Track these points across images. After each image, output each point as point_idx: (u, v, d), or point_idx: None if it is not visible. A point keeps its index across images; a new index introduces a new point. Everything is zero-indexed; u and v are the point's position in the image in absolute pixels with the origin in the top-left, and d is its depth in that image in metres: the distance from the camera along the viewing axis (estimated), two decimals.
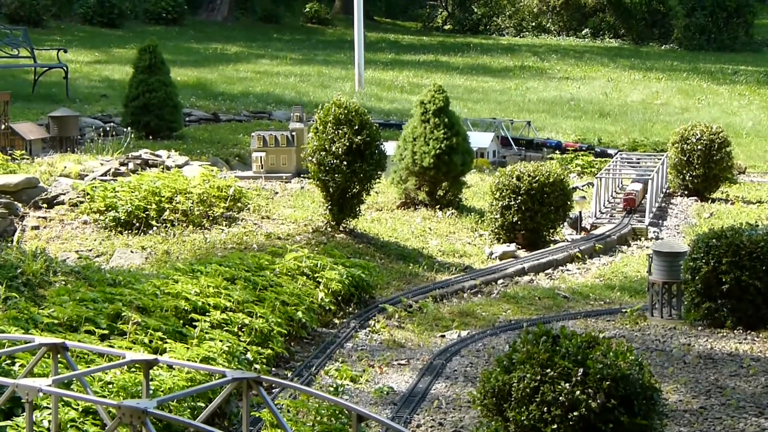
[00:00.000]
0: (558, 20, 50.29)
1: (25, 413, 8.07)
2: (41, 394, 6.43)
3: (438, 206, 16.83)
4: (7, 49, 25.75)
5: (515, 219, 15.69)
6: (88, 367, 8.68)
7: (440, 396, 10.13)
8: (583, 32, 49.40)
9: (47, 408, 7.93)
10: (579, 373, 7.74)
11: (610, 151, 22.57)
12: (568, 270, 15.10)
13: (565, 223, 16.78)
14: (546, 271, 14.94)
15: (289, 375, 10.59)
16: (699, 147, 19.28)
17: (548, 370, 7.82)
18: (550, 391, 7.75)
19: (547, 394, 7.76)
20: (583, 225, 17.12)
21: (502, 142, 22.86)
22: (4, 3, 38.71)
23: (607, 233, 16.56)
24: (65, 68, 25.33)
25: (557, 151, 22.48)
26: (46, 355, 7.39)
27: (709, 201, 19.24)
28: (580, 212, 17.10)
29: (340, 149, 14.63)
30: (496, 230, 15.95)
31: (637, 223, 17.14)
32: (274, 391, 9.75)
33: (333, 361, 11.07)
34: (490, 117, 25.50)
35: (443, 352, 11.43)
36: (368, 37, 36.91)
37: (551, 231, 16.10)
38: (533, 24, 50.49)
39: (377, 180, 15.30)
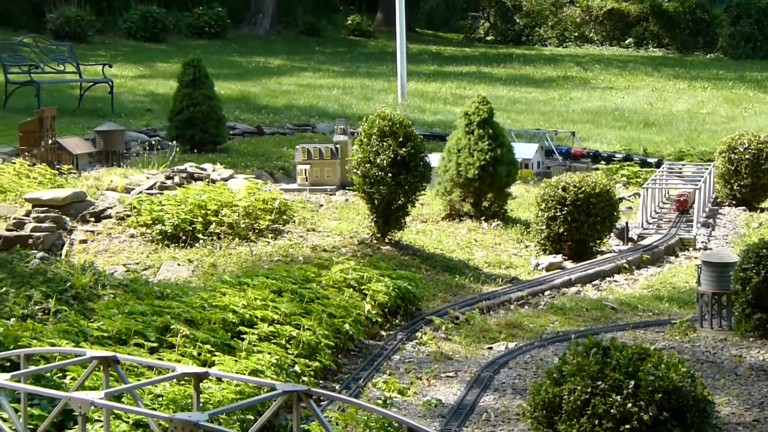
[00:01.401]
0: (601, 30, 50.11)
1: (76, 426, 8.11)
2: (93, 407, 6.45)
3: (483, 218, 16.78)
4: (54, 65, 25.97)
5: (561, 230, 15.61)
6: (138, 379, 8.71)
7: (489, 408, 10.08)
8: (627, 42, 49.19)
9: (98, 421, 7.96)
10: (630, 386, 7.68)
11: (650, 161, 22.52)
12: (615, 281, 15.01)
13: (612, 234, 16.68)
14: (593, 282, 14.85)
15: (336, 387, 10.58)
16: (747, 156, 19.12)
17: (599, 383, 7.77)
18: (602, 403, 7.70)
19: (598, 406, 7.71)
20: (629, 235, 17.01)
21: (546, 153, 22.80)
22: (49, 19, 39.03)
23: (655, 243, 16.45)
24: (110, 83, 25.50)
25: (602, 161, 22.42)
26: (96, 368, 7.42)
27: (758, 211, 19.07)
28: (627, 223, 16.99)
29: (384, 161, 14.63)
30: (542, 241, 15.88)
31: (685, 233, 17.02)
32: (322, 403, 9.74)
33: (380, 374, 11.05)
34: (534, 128, 25.44)
35: (491, 364, 11.38)
36: (410, 49, 36.93)
37: (598, 242, 16.00)
38: (576, 34, 50.33)
39: (422, 192, 15.28)
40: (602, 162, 22.34)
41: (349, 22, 50.30)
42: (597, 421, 7.70)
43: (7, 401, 6.71)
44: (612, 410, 7.65)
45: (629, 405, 7.63)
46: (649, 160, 22.76)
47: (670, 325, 12.69)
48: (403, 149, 14.64)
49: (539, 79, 37.51)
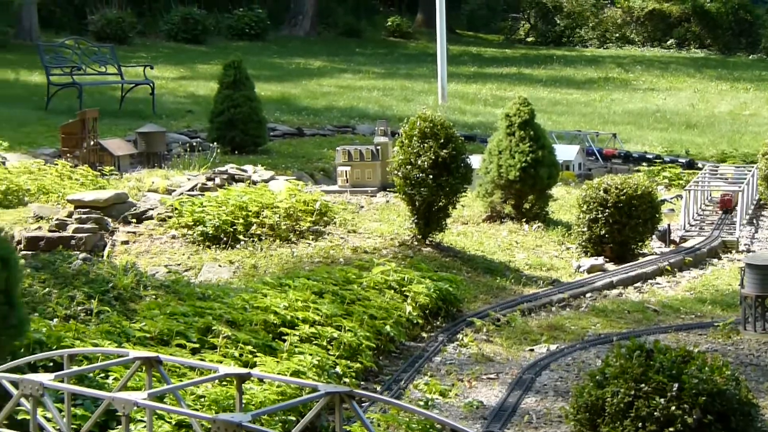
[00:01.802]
0: (642, 31, 49.85)
1: (119, 426, 8.14)
2: (136, 408, 6.47)
3: (524, 219, 16.72)
4: (96, 67, 26.11)
5: (603, 232, 15.53)
6: (181, 380, 8.73)
7: (530, 410, 10.04)
8: (668, 43, 48.93)
9: (141, 421, 7.99)
10: (674, 388, 7.62)
11: (681, 160, 22.45)
12: (657, 283, 14.92)
13: (654, 236, 16.58)
14: (635, 285, 14.77)
15: (378, 389, 10.57)
16: None
17: (642, 385, 7.72)
18: (645, 406, 7.65)
19: (641, 409, 7.65)
20: (671, 238, 16.90)
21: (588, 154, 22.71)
22: (91, 21, 39.26)
23: (697, 246, 16.33)
24: (151, 84, 25.61)
25: (633, 162, 22.34)
26: (139, 369, 7.44)
27: None
28: (669, 225, 16.89)
29: (425, 163, 14.61)
30: (583, 243, 15.81)
31: (728, 235, 16.89)
32: (363, 405, 9.73)
33: (422, 375, 11.03)
34: (575, 129, 25.34)
35: (532, 366, 11.34)
36: (451, 50, 36.87)
37: (639, 244, 15.91)
38: (617, 35, 50.10)
39: (463, 193, 15.24)
40: (643, 164, 22.23)
41: (389, 23, 50.30)
42: (640, 424, 7.65)
43: (51, 401, 6.74)
44: (656, 413, 7.60)
45: (673, 408, 7.57)
46: (681, 160, 22.67)
47: (713, 327, 12.60)
48: (444, 151, 14.61)
49: (580, 81, 37.37)
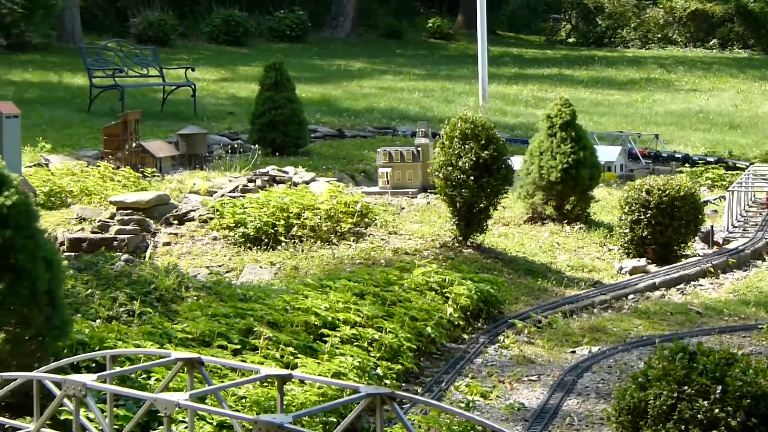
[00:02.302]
0: (684, 31, 49.55)
1: (161, 427, 8.17)
2: (178, 408, 6.49)
3: (566, 221, 16.65)
4: (137, 69, 26.24)
5: (645, 233, 15.45)
6: (222, 381, 8.76)
7: (572, 412, 10.00)
8: (711, 43, 48.61)
9: (182, 422, 8.01)
10: (718, 391, 7.57)
11: (710, 159, 22.37)
12: (700, 285, 14.82)
13: (697, 238, 16.47)
14: (678, 286, 14.68)
15: (418, 390, 10.56)
16: None
17: (686, 387, 7.67)
18: (688, 408, 7.60)
19: (684, 411, 7.60)
20: (715, 239, 16.78)
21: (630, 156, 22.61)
22: (133, 24, 39.47)
23: (741, 247, 16.21)
24: (193, 86, 25.71)
25: (686, 164, 22.22)
26: (180, 370, 7.47)
27: None
28: (712, 226, 16.77)
29: (466, 164, 14.58)
30: (625, 245, 15.72)
31: None
32: (404, 406, 9.71)
33: (463, 377, 11.01)
34: (616, 130, 25.22)
35: (574, 368, 11.29)
36: (491, 52, 36.77)
37: (682, 245, 15.81)
38: (659, 35, 49.82)
39: (504, 195, 15.20)
40: (686, 165, 22.12)
41: (430, 24, 50.25)
42: (683, 427, 7.60)
43: (93, 402, 6.77)
44: (699, 416, 7.55)
45: (716, 411, 7.52)
46: (710, 159, 22.60)
47: (757, 330, 12.50)
48: (485, 152, 14.58)
49: (622, 81, 37.19)
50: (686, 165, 22.28)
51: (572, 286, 14.40)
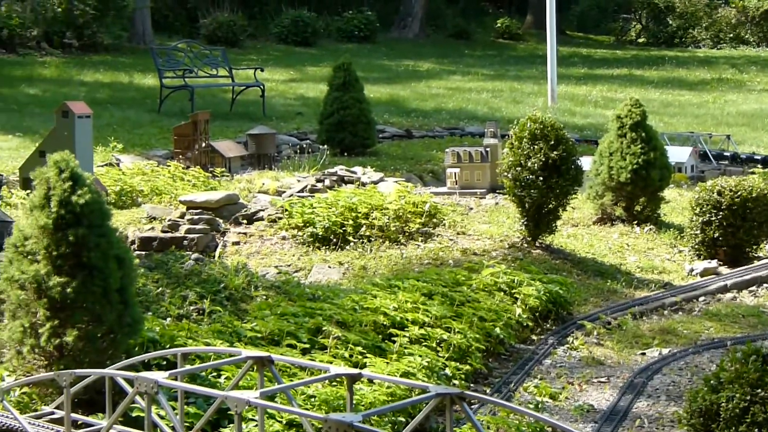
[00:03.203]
0: (757, 31, 48.94)
1: (231, 425, 8.21)
2: (248, 406, 6.52)
3: (635, 222, 16.51)
4: (207, 69, 26.42)
5: (716, 235, 15.28)
6: (291, 380, 8.79)
7: (642, 415, 9.93)
8: None
9: (252, 420, 8.05)
10: None
11: (726, 154, 22.23)
12: None
13: None
14: (750, 289, 14.50)
15: (487, 391, 10.53)
16: None
17: (759, 390, 7.58)
18: (761, 411, 7.51)
19: (757, 414, 7.52)
20: None
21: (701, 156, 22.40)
22: (202, 25, 39.77)
23: None
24: (262, 87, 25.83)
25: (759, 165, 21.96)
26: (251, 368, 7.51)
27: None
28: None
29: (536, 164, 14.52)
30: (696, 246, 15.56)
31: None
32: (472, 407, 9.69)
33: (531, 378, 10.97)
34: (687, 131, 24.98)
35: (644, 370, 11.21)
36: (560, 52, 36.55)
37: (754, 247, 15.61)
38: (731, 35, 49.26)
39: (573, 195, 15.12)
40: (759, 166, 21.86)
41: (499, 25, 50.10)
42: (756, 430, 7.52)
43: (165, 399, 6.83)
44: None
45: None
46: (726, 153, 22.40)
47: None
48: (555, 152, 14.51)
49: (693, 82, 36.84)
50: (759, 166, 22.01)
51: (642, 287, 14.28)
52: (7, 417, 8.15)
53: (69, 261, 8.49)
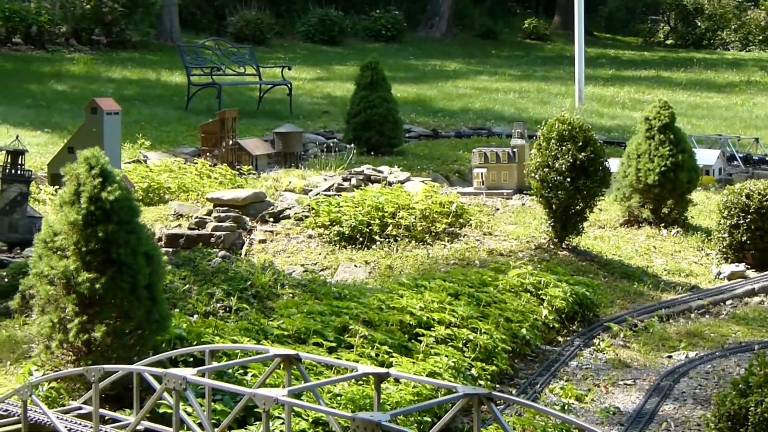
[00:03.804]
0: None
1: (257, 422, 8.23)
2: (275, 404, 6.53)
3: (662, 224, 16.46)
4: (235, 67, 26.46)
5: (744, 238, 15.21)
6: (317, 378, 8.79)
7: (668, 418, 9.89)
8: None
9: (279, 418, 8.06)
10: None
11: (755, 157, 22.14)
12: None
13: None
14: None
15: (513, 392, 10.51)
16: None
17: None
18: None
19: None
20: None
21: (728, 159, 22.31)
22: (230, 23, 39.84)
23: None
24: (289, 85, 25.86)
25: None
26: (278, 366, 7.51)
27: None
28: None
29: (563, 166, 14.49)
30: (723, 249, 15.50)
31: None
32: (498, 407, 9.67)
33: (557, 380, 10.95)
34: (715, 134, 24.87)
35: (671, 373, 11.17)
36: (588, 53, 36.46)
37: None
38: (760, 37, 49.00)
39: (601, 197, 15.08)
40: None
41: (526, 25, 50.01)
42: None
43: (193, 395, 6.84)
44: None
45: None
46: (754, 156, 22.33)
47: None
48: (583, 154, 14.48)
49: (721, 84, 36.68)
50: None
51: (669, 290, 14.23)
52: (35, 411, 8.18)
53: (98, 257, 8.53)
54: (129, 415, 8.17)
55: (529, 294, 12.48)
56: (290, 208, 15.80)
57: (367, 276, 13.82)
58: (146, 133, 20.77)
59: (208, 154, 18.88)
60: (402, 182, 17.35)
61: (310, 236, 15.13)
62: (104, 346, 8.58)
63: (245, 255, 14.41)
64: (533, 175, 14.79)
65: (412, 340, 10.53)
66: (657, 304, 13.61)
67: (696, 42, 50.14)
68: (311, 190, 16.82)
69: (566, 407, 9.91)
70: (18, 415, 8.19)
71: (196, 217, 15.14)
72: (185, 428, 7.55)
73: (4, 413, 8.42)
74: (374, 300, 11.25)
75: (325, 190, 16.74)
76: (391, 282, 12.58)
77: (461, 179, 20.10)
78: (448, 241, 14.93)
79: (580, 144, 14.55)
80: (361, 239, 14.85)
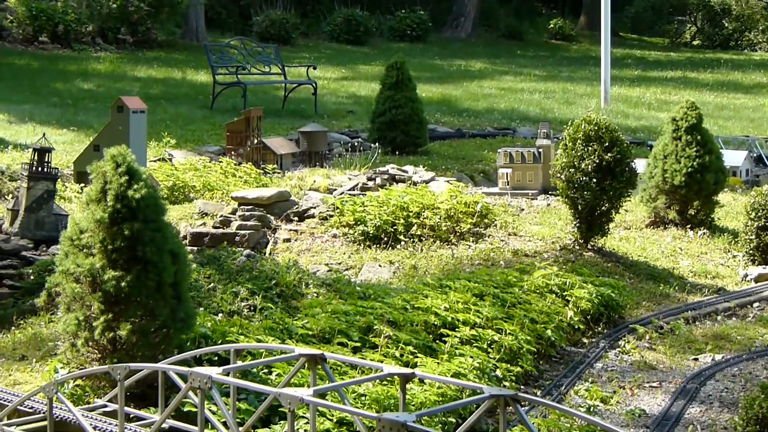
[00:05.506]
0: None
1: (281, 422, 8.21)
2: (300, 404, 6.51)
3: (689, 226, 16.37)
4: (260, 66, 26.50)
5: None
6: (342, 378, 8.78)
7: (695, 421, 9.83)
8: None
9: (303, 417, 8.05)
10: None
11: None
12: None
13: None
14: None
15: (537, 393, 10.47)
16: None
17: None
18: None
19: None
20: None
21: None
22: (255, 22, 39.91)
23: None
24: (314, 85, 25.87)
25: None
26: (303, 366, 7.49)
27: None
28: None
29: (589, 166, 14.43)
30: (750, 251, 15.40)
31: None
32: (523, 408, 9.63)
33: (582, 381, 10.90)
34: (742, 135, 24.74)
35: (697, 376, 11.10)
36: (614, 53, 36.34)
37: None
38: None
39: (627, 198, 15.01)
40: None
41: (552, 25, 49.91)
42: None
43: (218, 394, 6.83)
44: None
45: None
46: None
47: None
48: (609, 154, 14.42)
49: (748, 85, 36.50)
50: None
51: (695, 292, 14.15)
52: (61, 409, 8.19)
53: (124, 255, 8.53)
54: (153, 413, 8.17)
55: (554, 295, 12.43)
56: (315, 207, 15.79)
57: (392, 276, 13.79)
58: (171, 131, 20.81)
59: (233, 152, 18.89)
60: (427, 182, 17.32)
61: (334, 235, 15.12)
62: (129, 345, 8.59)
63: (270, 254, 14.41)
64: (559, 175, 14.74)
65: (437, 341, 10.50)
66: (683, 306, 13.54)
67: (723, 43, 49.91)
68: (336, 190, 16.81)
69: (591, 409, 9.87)
70: (44, 412, 8.20)
71: (221, 216, 15.15)
72: (210, 427, 7.55)
73: (30, 410, 8.43)
74: (399, 300, 11.23)
75: (349, 190, 16.73)
76: (416, 282, 12.55)
77: (486, 179, 20.05)
78: (472, 242, 14.89)
79: (607, 144, 14.49)
80: (385, 239, 14.83)
